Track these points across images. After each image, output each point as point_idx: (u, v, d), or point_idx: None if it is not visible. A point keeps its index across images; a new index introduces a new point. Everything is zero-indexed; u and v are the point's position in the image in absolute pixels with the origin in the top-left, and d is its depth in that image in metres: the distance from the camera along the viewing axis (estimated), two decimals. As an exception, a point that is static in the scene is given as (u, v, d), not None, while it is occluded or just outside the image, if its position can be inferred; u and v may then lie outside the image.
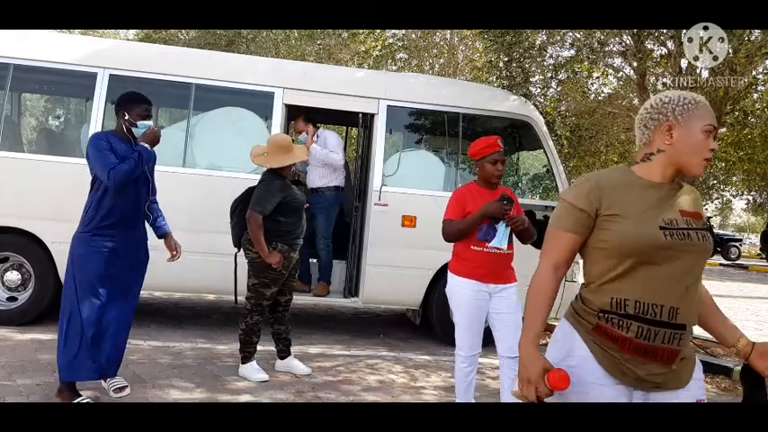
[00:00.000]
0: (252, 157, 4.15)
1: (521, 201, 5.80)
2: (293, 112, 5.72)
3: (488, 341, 5.93)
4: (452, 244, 3.42)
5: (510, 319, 3.31)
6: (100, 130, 5.05)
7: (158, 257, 4.97)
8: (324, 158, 5.60)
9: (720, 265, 20.90)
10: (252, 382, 4.04)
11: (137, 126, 3.37)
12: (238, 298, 4.44)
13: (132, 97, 3.42)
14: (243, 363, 4.14)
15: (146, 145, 3.35)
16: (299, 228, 4.16)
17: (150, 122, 3.44)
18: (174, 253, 3.73)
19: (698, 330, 6.18)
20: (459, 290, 3.31)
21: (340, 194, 5.81)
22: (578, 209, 1.74)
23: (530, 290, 1.75)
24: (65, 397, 3.30)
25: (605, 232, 1.71)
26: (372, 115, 5.56)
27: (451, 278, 3.36)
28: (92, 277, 3.30)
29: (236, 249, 4.26)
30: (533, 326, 1.72)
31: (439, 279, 5.48)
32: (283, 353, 4.34)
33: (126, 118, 3.35)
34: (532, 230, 3.42)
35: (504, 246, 3.31)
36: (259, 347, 4.23)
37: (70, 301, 3.32)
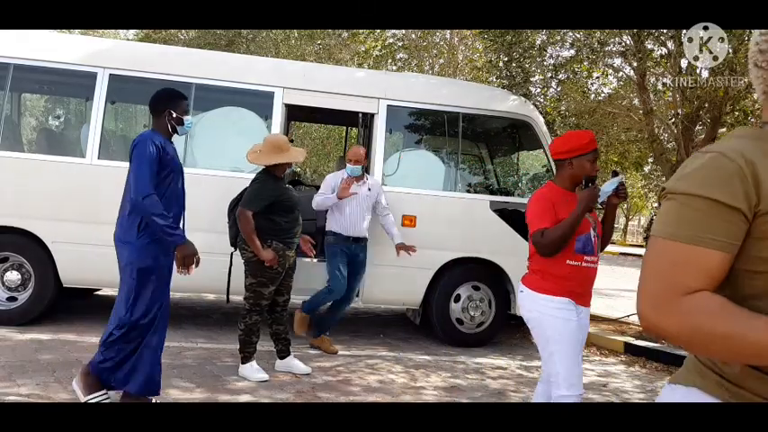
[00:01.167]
0: (247, 154, 4.16)
1: (520, 201, 5.84)
2: (293, 112, 5.71)
3: (491, 340, 5.90)
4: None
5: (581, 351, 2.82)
6: (100, 130, 5.06)
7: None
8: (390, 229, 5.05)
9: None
10: (252, 382, 4.04)
11: (183, 124, 3.30)
12: (237, 298, 4.44)
13: (174, 94, 3.33)
14: (243, 363, 4.14)
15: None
16: (294, 227, 4.16)
17: (191, 118, 3.36)
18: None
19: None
20: (557, 311, 2.70)
21: None
22: (727, 207, 1.00)
23: (705, 321, 0.98)
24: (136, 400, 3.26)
25: None
26: (372, 115, 5.56)
27: (541, 299, 2.74)
28: (164, 287, 3.29)
29: (232, 249, 4.27)
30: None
31: (439, 279, 5.48)
32: (283, 353, 4.34)
33: (174, 116, 3.27)
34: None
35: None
36: (259, 347, 4.23)
37: (149, 313, 3.23)
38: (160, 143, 3.19)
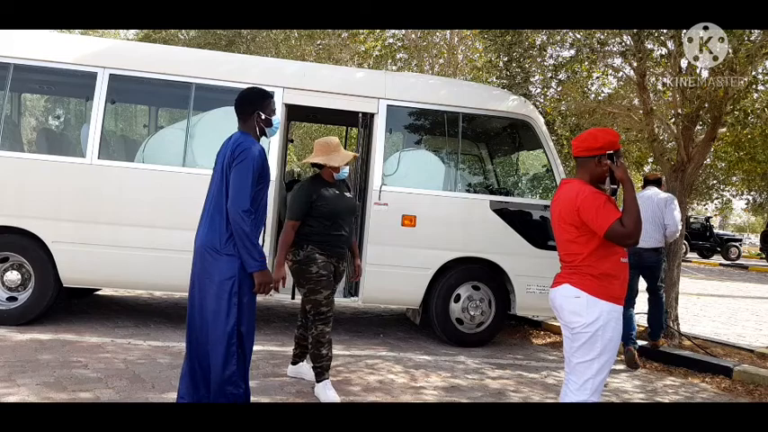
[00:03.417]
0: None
1: (520, 201, 5.84)
2: (293, 112, 5.70)
3: (491, 340, 5.89)
4: (560, 260, 2.79)
5: None
6: (100, 130, 5.05)
7: (159, 257, 5.00)
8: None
9: (720, 265, 20.91)
10: (253, 381, 4.02)
11: (272, 125, 3.14)
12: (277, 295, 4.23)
13: (262, 93, 3.15)
14: (317, 381, 3.87)
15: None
16: (335, 235, 3.87)
17: (278, 117, 3.20)
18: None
19: (697, 330, 6.21)
20: (618, 322, 2.59)
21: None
22: None
23: None
24: None
25: None
26: (372, 115, 5.56)
27: (606, 307, 2.58)
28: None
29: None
30: None
31: (439, 279, 5.48)
32: (297, 357, 4.27)
33: (263, 117, 3.09)
34: None
35: None
36: (259, 348, 4.21)
37: (253, 323, 3.06)
38: (263, 151, 3.03)
